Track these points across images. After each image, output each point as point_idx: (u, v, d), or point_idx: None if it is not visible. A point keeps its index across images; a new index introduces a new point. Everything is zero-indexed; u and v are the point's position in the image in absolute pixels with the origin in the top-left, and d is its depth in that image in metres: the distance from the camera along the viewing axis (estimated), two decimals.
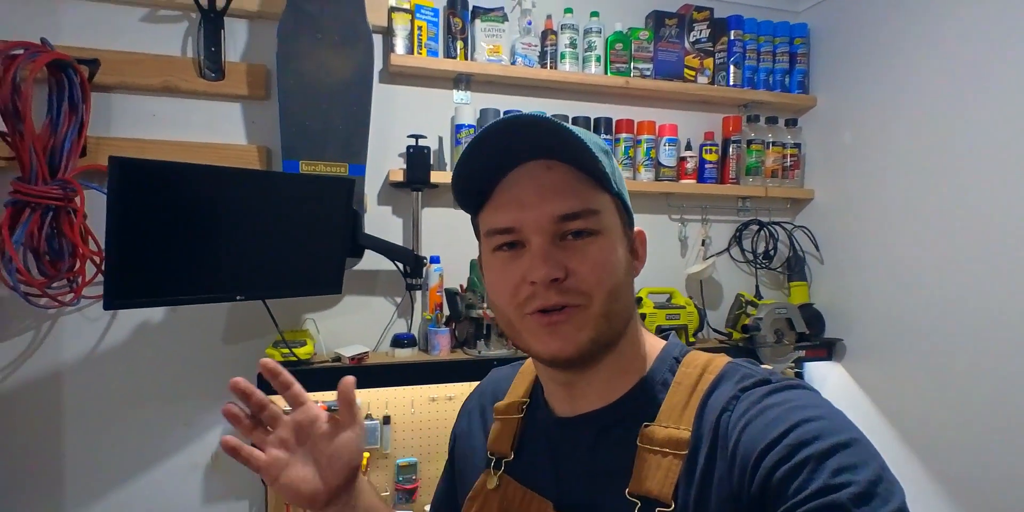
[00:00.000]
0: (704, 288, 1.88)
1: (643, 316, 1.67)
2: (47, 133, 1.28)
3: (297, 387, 0.60)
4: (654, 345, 0.60)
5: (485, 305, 1.52)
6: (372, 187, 1.59)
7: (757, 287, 1.93)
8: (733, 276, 1.94)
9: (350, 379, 0.59)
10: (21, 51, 1.22)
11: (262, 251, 1.29)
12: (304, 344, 1.42)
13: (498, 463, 0.63)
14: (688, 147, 1.82)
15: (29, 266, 1.26)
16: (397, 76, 1.60)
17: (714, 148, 1.83)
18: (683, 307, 1.74)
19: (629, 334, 0.57)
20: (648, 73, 1.76)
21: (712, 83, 1.82)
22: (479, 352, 1.55)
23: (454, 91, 1.64)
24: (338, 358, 1.46)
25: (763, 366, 0.58)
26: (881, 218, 1.70)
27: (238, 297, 1.25)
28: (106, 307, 1.08)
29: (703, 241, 1.88)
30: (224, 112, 1.48)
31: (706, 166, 1.83)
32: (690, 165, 1.80)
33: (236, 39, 1.48)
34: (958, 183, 1.49)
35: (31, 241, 1.25)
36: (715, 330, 1.86)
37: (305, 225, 1.35)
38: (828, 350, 1.83)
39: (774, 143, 1.87)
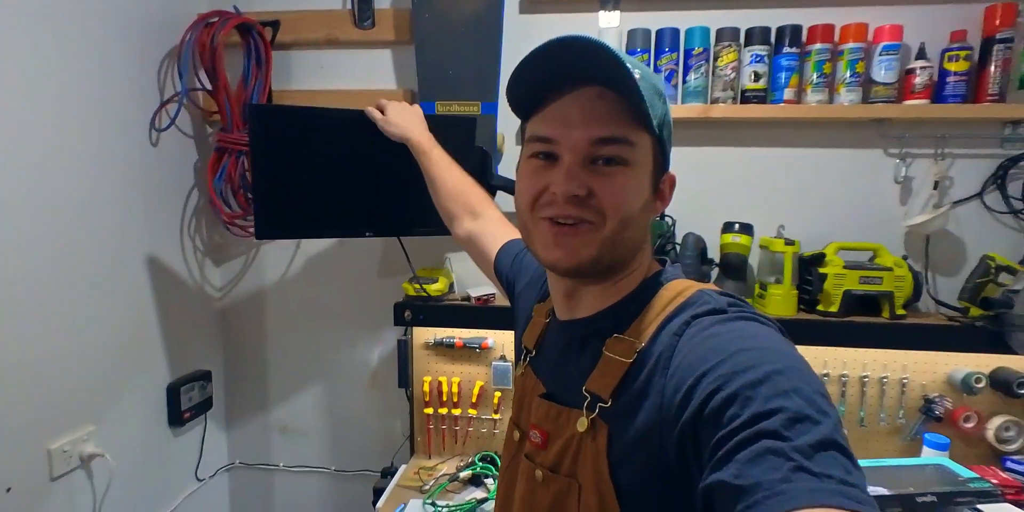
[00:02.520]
0: (933, 246, 1.42)
1: (824, 276, 1.34)
2: (240, 89, 1.51)
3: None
4: (650, 269, 0.65)
5: None
6: (511, 126, 1.53)
7: None
8: (985, 232, 1.41)
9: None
10: (216, 19, 1.45)
11: (391, 190, 1.35)
12: (436, 281, 1.48)
13: (526, 356, 0.75)
14: (920, 55, 1.34)
15: (229, 201, 1.54)
16: (539, 3, 1.49)
17: (964, 53, 1.31)
18: (889, 269, 1.34)
19: (632, 263, 0.63)
20: None
21: None
22: None
23: (600, 13, 1.46)
24: (467, 297, 1.50)
25: (735, 296, 0.59)
26: None
27: (367, 234, 1.34)
28: (257, 237, 1.25)
29: (936, 182, 1.40)
30: (377, 59, 1.57)
31: (948, 79, 1.33)
32: (920, 79, 1.33)
33: None
34: None
35: (230, 181, 1.52)
36: (941, 303, 1.40)
37: None
38: None
39: None
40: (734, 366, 0.47)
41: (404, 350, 1.58)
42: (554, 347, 0.70)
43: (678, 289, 0.60)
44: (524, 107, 0.64)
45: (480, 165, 1.40)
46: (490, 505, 1.33)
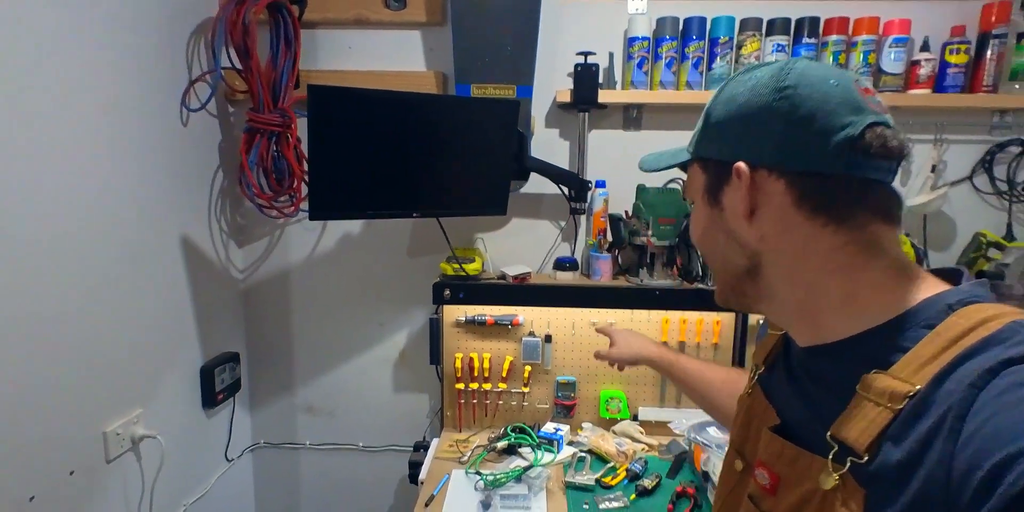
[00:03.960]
0: (929, 224, 1.56)
1: None
2: (269, 68, 1.49)
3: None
4: (922, 290, 0.50)
5: (650, 233, 1.46)
6: (540, 109, 1.58)
7: (1009, 226, 1.54)
8: (975, 211, 1.56)
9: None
10: None
11: (436, 172, 1.38)
12: (473, 261, 1.52)
13: (755, 373, 0.66)
14: (924, 47, 1.45)
15: (261, 183, 1.53)
16: None
17: (963, 46, 1.44)
18: None
19: (775, 280, 0.54)
20: None
21: None
22: (641, 281, 1.51)
23: (629, 1, 1.51)
24: (503, 276, 1.55)
25: None
26: None
27: (415, 214, 1.37)
28: (312, 218, 1.27)
29: (933, 166, 1.53)
30: (407, 40, 1.57)
31: (948, 71, 1.45)
32: (924, 70, 1.45)
33: None
34: None
35: (261, 162, 1.50)
36: None
37: (474, 147, 1.40)
38: None
39: None
40: None
41: (436, 328, 1.62)
42: (789, 369, 0.59)
43: (978, 317, 0.44)
44: None
45: (519, 148, 1.45)
46: (535, 472, 1.40)
